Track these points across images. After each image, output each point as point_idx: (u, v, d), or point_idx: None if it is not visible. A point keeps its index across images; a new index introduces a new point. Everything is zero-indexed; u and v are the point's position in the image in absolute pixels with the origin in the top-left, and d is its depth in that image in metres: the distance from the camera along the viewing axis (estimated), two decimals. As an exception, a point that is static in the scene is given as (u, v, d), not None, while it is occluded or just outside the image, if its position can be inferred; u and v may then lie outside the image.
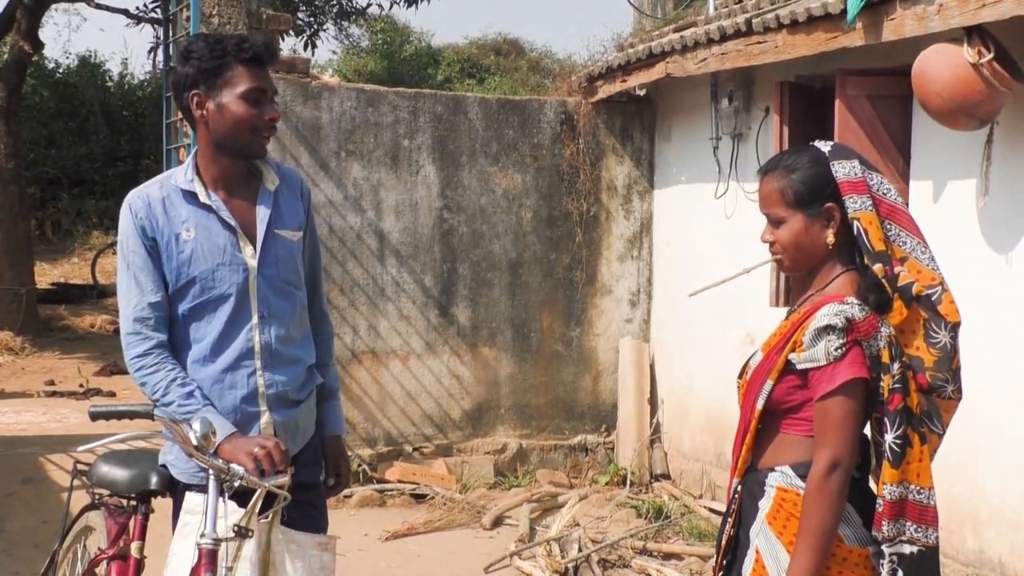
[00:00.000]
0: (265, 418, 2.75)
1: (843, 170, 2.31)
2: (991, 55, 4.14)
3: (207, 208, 2.72)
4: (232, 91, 2.65)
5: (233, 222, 2.73)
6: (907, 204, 4.91)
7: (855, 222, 2.28)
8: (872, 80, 5.09)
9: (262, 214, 2.76)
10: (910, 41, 4.55)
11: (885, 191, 2.32)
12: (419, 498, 6.47)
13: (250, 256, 2.73)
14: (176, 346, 2.74)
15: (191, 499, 2.65)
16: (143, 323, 2.68)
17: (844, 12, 4.68)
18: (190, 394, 2.63)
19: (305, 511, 2.81)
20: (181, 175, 2.75)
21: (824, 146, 2.37)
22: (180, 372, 2.67)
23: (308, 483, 2.86)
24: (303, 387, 2.85)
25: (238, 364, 2.72)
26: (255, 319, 2.74)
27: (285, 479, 2.57)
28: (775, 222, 2.38)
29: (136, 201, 2.72)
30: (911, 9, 4.41)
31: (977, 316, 4.59)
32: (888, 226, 2.30)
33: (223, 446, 2.55)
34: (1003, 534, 4.55)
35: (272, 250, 2.76)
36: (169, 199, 2.73)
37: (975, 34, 4.19)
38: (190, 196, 2.72)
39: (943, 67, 4.24)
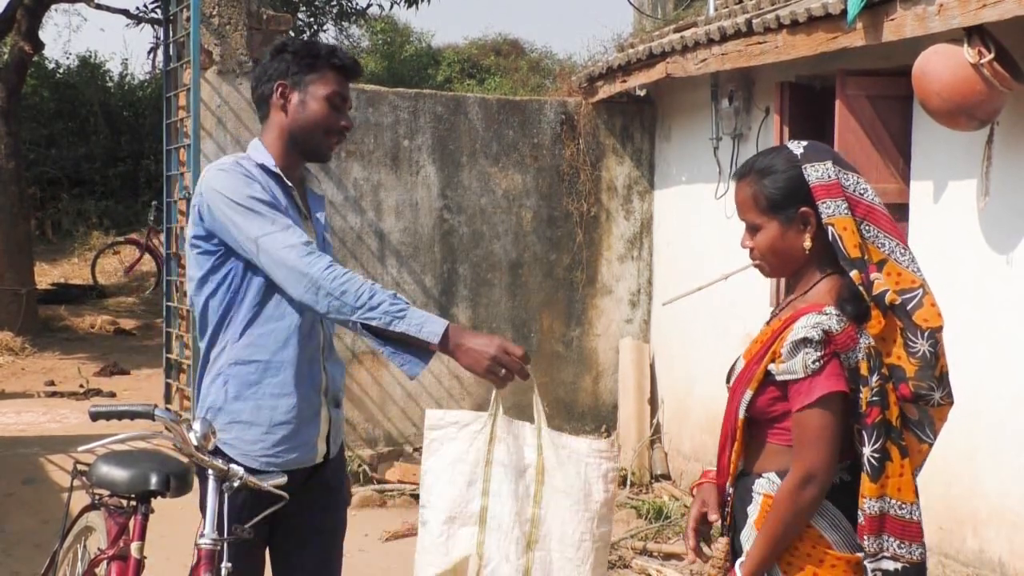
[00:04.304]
0: (324, 412, 2.74)
1: (815, 173, 2.24)
2: (991, 55, 4.14)
3: (288, 191, 2.71)
4: (318, 90, 2.68)
5: (305, 211, 2.76)
6: (907, 205, 4.98)
7: (829, 227, 2.23)
8: (872, 80, 5.09)
9: (318, 214, 2.81)
10: (910, 41, 4.54)
11: (861, 191, 2.25)
12: (419, 499, 6.45)
13: None
14: (258, 321, 2.64)
15: (432, 416, 2.65)
16: (310, 245, 2.54)
17: (844, 12, 4.68)
18: (395, 295, 2.50)
19: (333, 514, 2.84)
20: (258, 156, 2.69)
21: (797, 147, 2.30)
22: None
23: (336, 485, 2.88)
24: (342, 388, 2.87)
25: (315, 354, 2.70)
26: None
27: (283, 479, 2.56)
28: (751, 229, 2.35)
29: (242, 166, 2.62)
30: (911, 9, 4.41)
31: (977, 316, 4.60)
32: (866, 228, 2.23)
33: (456, 344, 2.45)
34: (1003, 534, 4.55)
35: (326, 251, 2.77)
36: (260, 173, 2.67)
37: (975, 34, 4.19)
38: (275, 176, 2.68)
39: (943, 67, 4.24)
